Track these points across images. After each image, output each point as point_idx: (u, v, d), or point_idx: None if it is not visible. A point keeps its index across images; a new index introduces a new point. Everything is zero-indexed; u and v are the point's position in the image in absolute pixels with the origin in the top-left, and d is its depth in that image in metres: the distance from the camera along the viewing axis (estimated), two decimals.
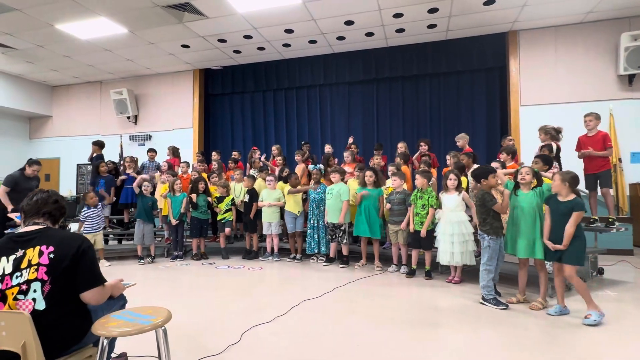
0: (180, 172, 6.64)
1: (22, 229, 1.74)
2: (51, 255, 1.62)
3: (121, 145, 8.96)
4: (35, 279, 1.58)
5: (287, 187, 5.78)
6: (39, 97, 9.94)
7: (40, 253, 1.62)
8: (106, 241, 6.51)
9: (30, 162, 5.83)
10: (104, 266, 5.34)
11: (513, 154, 4.93)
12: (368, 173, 5.13)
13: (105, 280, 1.76)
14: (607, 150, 4.59)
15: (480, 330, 2.98)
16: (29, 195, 1.84)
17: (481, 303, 3.56)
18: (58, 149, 10.16)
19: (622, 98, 6.44)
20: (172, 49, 7.70)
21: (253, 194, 5.95)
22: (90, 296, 1.69)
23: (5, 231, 5.44)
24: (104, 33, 6.78)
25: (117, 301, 1.99)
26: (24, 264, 1.60)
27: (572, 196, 3.16)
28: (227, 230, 6.03)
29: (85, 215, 5.57)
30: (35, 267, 1.59)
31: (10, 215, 5.50)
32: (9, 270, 1.60)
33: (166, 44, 7.43)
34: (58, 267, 1.61)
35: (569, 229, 3.08)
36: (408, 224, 4.69)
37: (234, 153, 7.27)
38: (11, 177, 5.67)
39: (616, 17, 6.45)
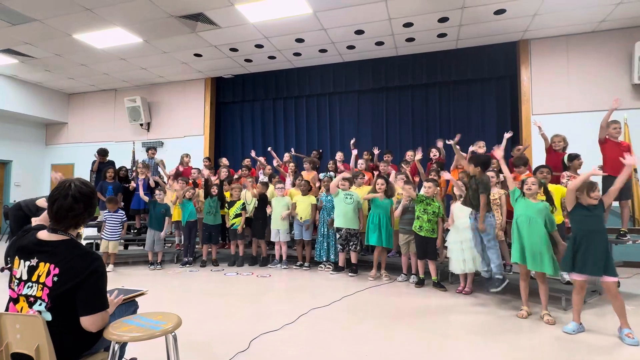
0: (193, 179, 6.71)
1: (44, 235, 1.66)
2: (55, 279, 1.55)
3: (134, 152, 9.09)
4: (40, 297, 1.57)
5: (299, 193, 5.79)
6: (56, 105, 10.19)
7: (48, 273, 1.56)
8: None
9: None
10: (107, 270, 5.29)
11: (525, 163, 4.89)
12: (379, 181, 5.11)
13: (108, 306, 1.66)
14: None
15: (492, 343, 2.92)
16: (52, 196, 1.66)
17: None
18: (73, 155, 10.37)
19: (637, 107, 6.33)
20: (185, 58, 7.85)
21: (264, 200, 5.97)
22: (89, 322, 1.59)
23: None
24: (119, 42, 6.95)
25: (129, 307, 2.01)
26: (34, 277, 1.57)
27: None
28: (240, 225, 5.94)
29: (105, 217, 5.62)
30: (42, 285, 1.57)
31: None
32: (25, 277, 1.59)
33: (179, 53, 7.58)
34: (58, 291, 1.55)
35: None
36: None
37: (245, 160, 7.33)
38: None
39: (630, 25, 6.38)
